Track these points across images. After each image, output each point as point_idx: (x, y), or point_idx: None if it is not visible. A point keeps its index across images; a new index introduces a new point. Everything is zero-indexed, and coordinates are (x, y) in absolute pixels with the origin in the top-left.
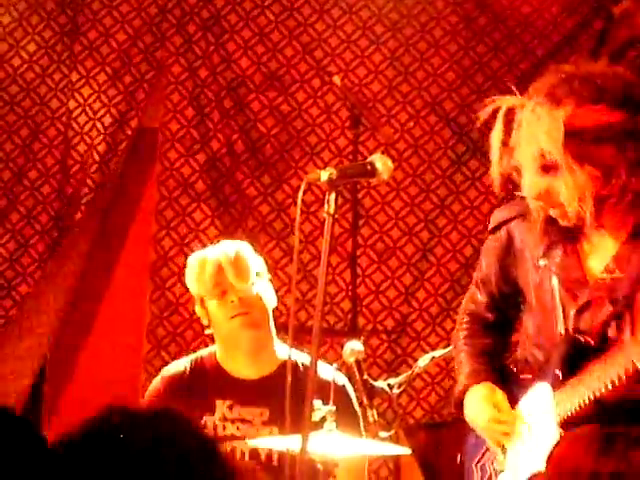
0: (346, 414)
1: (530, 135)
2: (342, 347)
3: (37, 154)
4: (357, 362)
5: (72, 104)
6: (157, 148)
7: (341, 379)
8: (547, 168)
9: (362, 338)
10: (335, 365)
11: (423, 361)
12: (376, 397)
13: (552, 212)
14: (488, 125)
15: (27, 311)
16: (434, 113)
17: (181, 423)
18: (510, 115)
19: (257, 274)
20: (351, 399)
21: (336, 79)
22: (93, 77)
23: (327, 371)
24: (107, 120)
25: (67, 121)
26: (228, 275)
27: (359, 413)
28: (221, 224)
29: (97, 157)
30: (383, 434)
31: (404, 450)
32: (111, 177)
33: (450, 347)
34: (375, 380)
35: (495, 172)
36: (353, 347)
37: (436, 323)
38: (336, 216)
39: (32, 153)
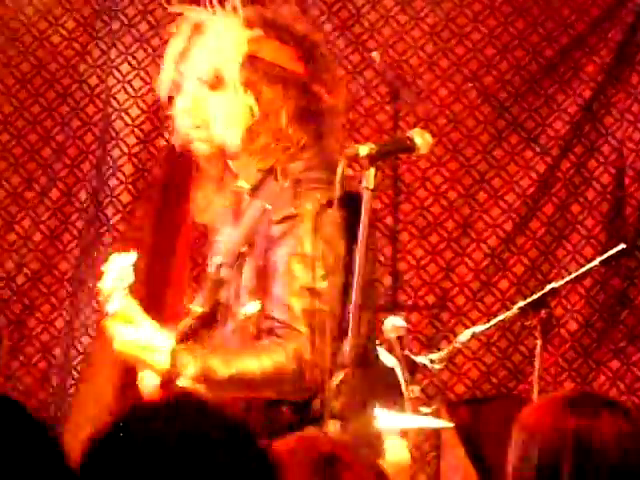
0: (397, 396)
1: (209, 46)
2: (383, 323)
3: (76, 131)
4: (398, 338)
5: (111, 81)
6: None
7: (391, 360)
8: (210, 83)
9: (403, 314)
10: (377, 342)
11: (464, 336)
12: (417, 373)
13: (194, 133)
14: (529, 100)
15: None
16: (474, 88)
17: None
18: (196, 28)
19: None
20: (399, 382)
21: (375, 55)
22: (132, 54)
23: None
24: (150, 98)
25: (106, 98)
26: None
27: (406, 396)
28: None
29: (142, 135)
30: (424, 409)
31: (446, 424)
32: (163, 155)
33: (491, 322)
34: (416, 356)
35: (165, 78)
36: (394, 323)
37: (477, 298)
38: (375, 192)
39: (72, 130)
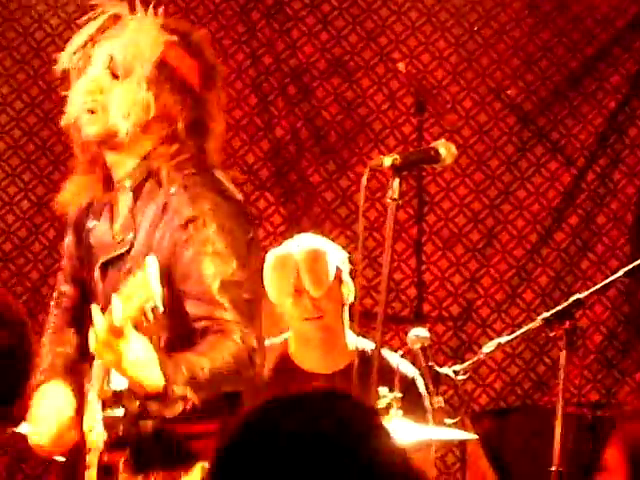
0: (416, 408)
1: (126, 38)
2: (407, 334)
3: None
4: (422, 349)
5: None
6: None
7: (412, 372)
8: (117, 73)
9: (427, 325)
10: (400, 352)
11: (488, 348)
12: (441, 384)
13: (86, 116)
14: (554, 111)
15: None
16: (499, 99)
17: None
18: (114, 18)
19: (336, 273)
20: (421, 394)
21: (400, 66)
22: None
23: (395, 359)
24: None
25: None
26: (304, 280)
27: (429, 408)
28: (286, 212)
29: None
30: (449, 421)
31: (471, 435)
32: None
33: (516, 333)
34: (440, 367)
35: (68, 55)
36: (418, 334)
37: (501, 309)
38: (400, 202)
39: None
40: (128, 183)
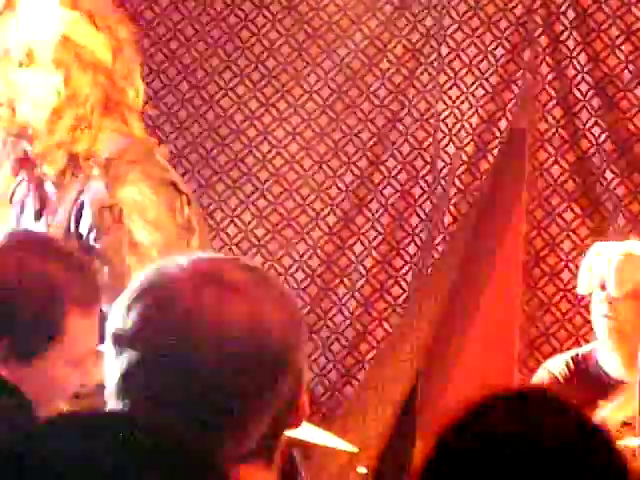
0: None
1: (23, 21)
2: None
3: (406, 157)
4: None
5: (440, 106)
6: (526, 149)
7: None
8: (19, 60)
9: None
10: None
11: None
12: None
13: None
14: None
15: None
16: None
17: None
18: (9, 3)
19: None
20: None
21: None
22: (461, 79)
23: None
24: (474, 121)
25: (435, 123)
26: (607, 284)
27: None
28: (592, 223)
29: (465, 158)
30: None
31: None
32: (482, 179)
33: None
34: None
35: None
36: None
37: None
38: None
39: (401, 155)
40: (50, 172)
